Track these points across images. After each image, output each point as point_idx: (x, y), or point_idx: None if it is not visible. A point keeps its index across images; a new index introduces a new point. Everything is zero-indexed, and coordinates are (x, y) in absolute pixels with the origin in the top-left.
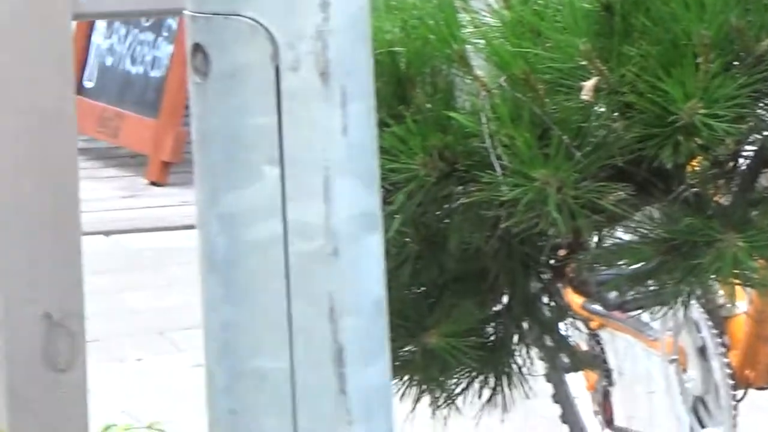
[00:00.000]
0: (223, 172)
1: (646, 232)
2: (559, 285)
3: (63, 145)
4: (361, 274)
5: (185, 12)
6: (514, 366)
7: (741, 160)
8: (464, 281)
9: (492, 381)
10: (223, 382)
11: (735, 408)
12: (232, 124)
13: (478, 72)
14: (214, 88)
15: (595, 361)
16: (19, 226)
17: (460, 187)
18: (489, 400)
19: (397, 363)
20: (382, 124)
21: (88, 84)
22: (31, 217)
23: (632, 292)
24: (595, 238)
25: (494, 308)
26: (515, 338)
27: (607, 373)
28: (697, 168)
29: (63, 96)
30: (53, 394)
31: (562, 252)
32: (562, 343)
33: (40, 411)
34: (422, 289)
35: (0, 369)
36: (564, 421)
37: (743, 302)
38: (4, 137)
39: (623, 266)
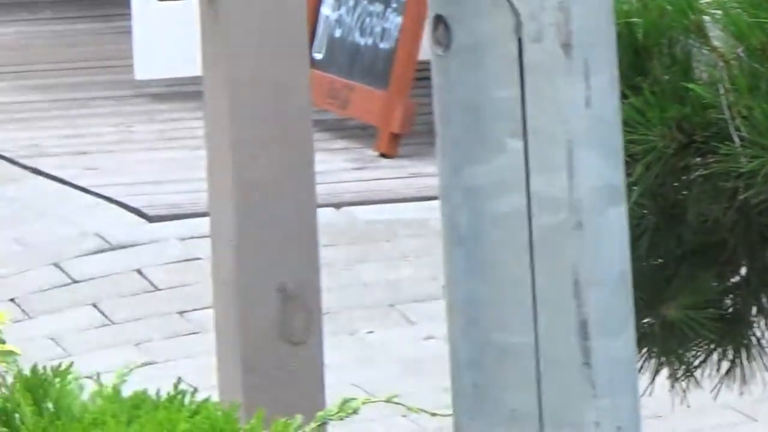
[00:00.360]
0: (465, 144)
1: None
2: None
3: (298, 117)
4: (605, 247)
5: None
6: (753, 338)
7: None
8: (702, 253)
9: (730, 353)
10: (467, 355)
11: None
12: (474, 97)
13: (716, 43)
14: (456, 61)
15: None
16: (255, 198)
17: (699, 159)
18: (727, 372)
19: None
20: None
21: (317, 56)
22: (267, 189)
23: None
24: None
25: (732, 280)
26: (753, 310)
27: None
28: None
29: (297, 68)
30: (288, 368)
31: None
32: None
33: (276, 384)
34: (660, 260)
35: (235, 342)
36: None
37: None
38: (242, 110)
39: None
